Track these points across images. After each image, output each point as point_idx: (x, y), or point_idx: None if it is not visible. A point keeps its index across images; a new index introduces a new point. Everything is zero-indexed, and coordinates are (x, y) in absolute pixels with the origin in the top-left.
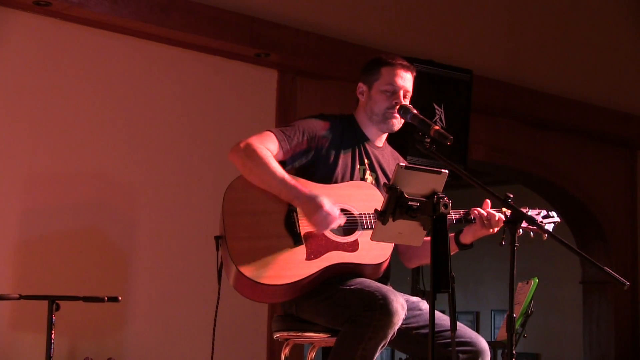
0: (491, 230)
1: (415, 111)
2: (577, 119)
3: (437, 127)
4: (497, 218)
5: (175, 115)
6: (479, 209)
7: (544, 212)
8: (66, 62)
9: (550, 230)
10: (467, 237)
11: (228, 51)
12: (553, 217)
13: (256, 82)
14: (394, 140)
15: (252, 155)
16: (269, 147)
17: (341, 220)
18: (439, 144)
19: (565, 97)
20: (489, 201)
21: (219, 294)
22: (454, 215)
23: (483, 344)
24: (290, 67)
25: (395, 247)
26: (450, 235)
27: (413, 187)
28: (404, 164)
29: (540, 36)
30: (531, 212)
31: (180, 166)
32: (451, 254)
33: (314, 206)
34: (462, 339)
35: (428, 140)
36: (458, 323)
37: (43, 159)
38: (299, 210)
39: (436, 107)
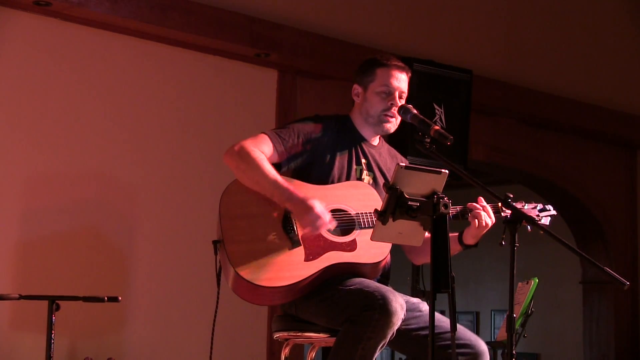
0: (484, 225)
1: (415, 111)
2: (577, 119)
3: (437, 127)
4: (490, 213)
5: (175, 116)
6: (475, 204)
7: (540, 206)
8: (66, 62)
9: (547, 223)
10: (468, 239)
11: (228, 51)
12: (549, 210)
13: (256, 82)
14: (394, 140)
15: (245, 157)
16: (263, 149)
17: (332, 225)
18: (439, 144)
19: (565, 97)
20: (482, 198)
21: (217, 298)
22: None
23: (482, 346)
24: (290, 67)
25: (402, 246)
26: (454, 234)
27: (413, 187)
28: (403, 164)
29: (540, 36)
30: (527, 207)
31: (180, 166)
32: (455, 253)
33: (304, 208)
34: (462, 341)
35: (428, 140)
36: (457, 325)
37: (43, 159)
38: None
39: (436, 107)
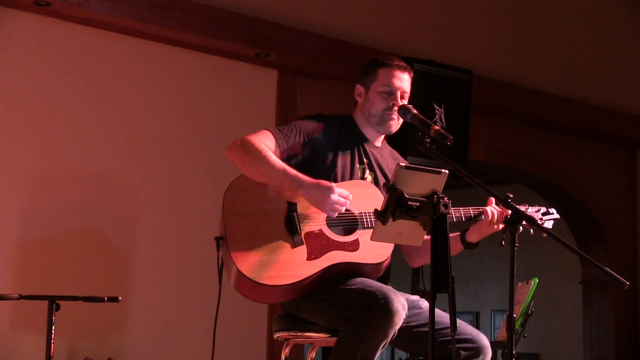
0: (496, 227)
1: (415, 111)
2: (577, 119)
3: (437, 127)
4: (503, 215)
5: (175, 115)
6: (492, 206)
7: (543, 209)
8: (66, 62)
9: (550, 226)
10: (473, 236)
11: (228, 51)
12: (553, 213)
13: (256, 82)
14: (394, 140)
15: (250, 149)
16: (266, 143)
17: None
18: (439, 144)
19: (565, 97)
20: (493, 199)
21: (219, 295)
22: (463, 213)
23: (484, 340)
24: (290, 67)
25: (399, 247)
26: (456, 234)
27: (413, 187)
28: (404, 164)
29: (540, 36)
30: (530, 210)
31: (180, 166)
32: (456, 252)
33: (322, 191)
34: (463, 336)
35: (428, 140)
36: (459, 320)
37: (43, 159)
38: (300, 205)
39: (436, 107)
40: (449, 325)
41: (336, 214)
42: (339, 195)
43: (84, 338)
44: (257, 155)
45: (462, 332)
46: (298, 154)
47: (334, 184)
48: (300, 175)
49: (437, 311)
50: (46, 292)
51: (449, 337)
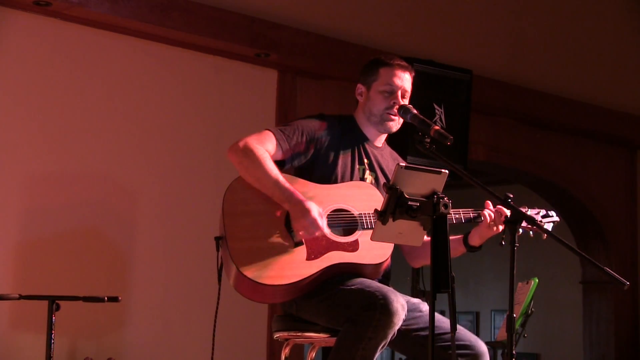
0: (495, 229)
1: (415, 111)
2: (577, 119)
3: (437, 127)
4: (502, 217)
5: (175, 115)
6: (489, 209)
7: (543, 212)
8: (66, 62)
9: (550, 229)
10: (474, 239)
11: (228, 51)
12: (552, 216)
13: (256, 82)
14: (394, 140)
15: (249, 154)
16: (267, 146)
17: (326, 231)
18: (439, 144)
19: (565, 97)
20: (489, 202)
21: (219, 295)
22: (463, 215)
23: (482, 347)
24: (290, 67)
25: (400, 247)
26: (458, 237)
27: (413, 187)
28: (403, 164)
29: (540, 36)
30: (530, 212)
31: (180, 166)
32: (458, 255)
33: (301, 211)
34: (462, 342)
35: (428, 140)
36: (457, 325)
37: (43, 159)
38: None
39: (436, 107)
40: (448, 330)
41: (308, 236)
42: (313, 222)
43: (84, 338)
44: (254, 160)
45: (460, 338)
46: (300, 155)
47: (313, 209)
48: (291, 189)
49: (437, 316)
50: (46, 292)
51: (448, 343)
